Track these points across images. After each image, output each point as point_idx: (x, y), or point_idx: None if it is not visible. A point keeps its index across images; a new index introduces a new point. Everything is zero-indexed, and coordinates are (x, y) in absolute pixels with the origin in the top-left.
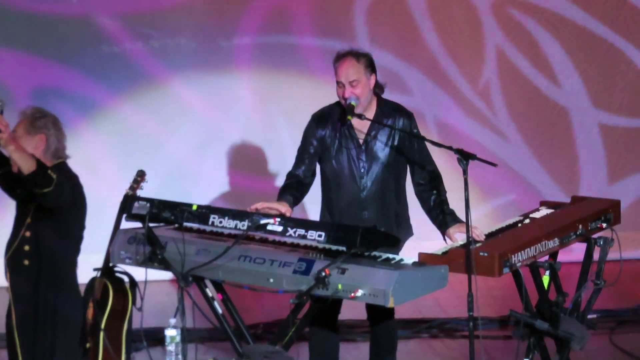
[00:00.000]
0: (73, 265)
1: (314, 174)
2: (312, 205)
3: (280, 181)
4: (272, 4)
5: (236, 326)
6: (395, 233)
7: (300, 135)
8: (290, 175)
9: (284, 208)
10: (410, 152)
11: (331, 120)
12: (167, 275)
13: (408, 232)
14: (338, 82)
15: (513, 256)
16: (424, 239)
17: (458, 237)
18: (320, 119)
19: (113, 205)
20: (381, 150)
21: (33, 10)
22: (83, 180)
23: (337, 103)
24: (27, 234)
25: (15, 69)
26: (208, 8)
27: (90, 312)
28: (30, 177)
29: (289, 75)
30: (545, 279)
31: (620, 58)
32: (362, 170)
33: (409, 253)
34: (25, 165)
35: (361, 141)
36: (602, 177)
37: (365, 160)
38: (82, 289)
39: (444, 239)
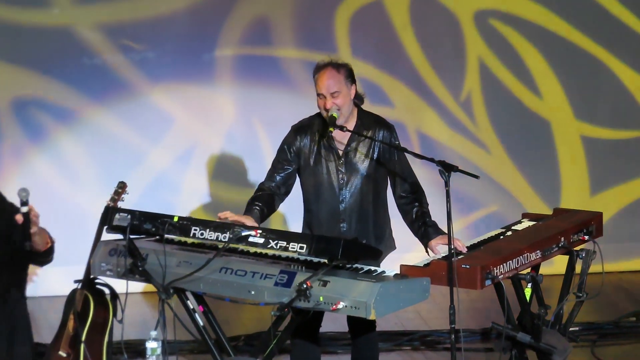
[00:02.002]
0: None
1: (287, 190)
2: (293, 217)
3: None
4: (253, 16)
5: (217, 338)
6: (373, 245)
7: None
8: (259, 188)
9: (249, 222)
10: (391, 165)
11: (310, 131)
12: (148, 287)
13: (390, 245)
14: (319, 94)
15: (495, 268)
16: (405, 251)
17: (440, 249)
18: (299, 130)
19: (94, 217)
20: (361, 162)
21: (14, 20)
22: (63, 190)
23: (318, 114)
24: None
25: None
26: (189, 19)
27: (71, 324)
28: (41, 253)
29: (270, 86)
30: (527, 292)
31: (603, 70)
32: (341, 182)
33: (390, 265)
34: (42, 244)
35: (341, 153)
36: (584, 189)
37: (345, 171)
38: (63, 301)
39: (426, 251)
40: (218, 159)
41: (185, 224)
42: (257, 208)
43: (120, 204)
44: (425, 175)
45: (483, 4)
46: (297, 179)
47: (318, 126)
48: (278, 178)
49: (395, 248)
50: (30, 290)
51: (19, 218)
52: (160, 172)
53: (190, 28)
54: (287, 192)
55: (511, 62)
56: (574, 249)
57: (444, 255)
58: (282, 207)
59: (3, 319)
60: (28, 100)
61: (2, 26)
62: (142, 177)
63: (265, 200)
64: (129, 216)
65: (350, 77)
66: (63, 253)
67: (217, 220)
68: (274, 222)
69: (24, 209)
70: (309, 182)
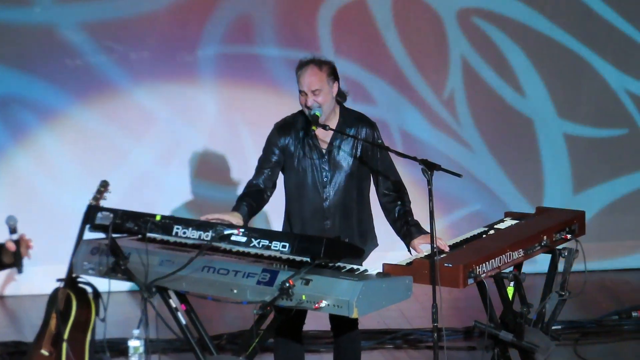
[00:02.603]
0: None
1: (274, 184)
2: (275, 215)
3: None
4: (235, 14)
5: (200, 337)
6: (358, 243)
7: (264, 144)
8: (249, 185)
9: (235, 220)
10: (374, 163)
11: (294, 129)
12: (131, 286)
13: (373, 242)
14: (301, 91)
15: (477, 267)
16: (388, 249)
17: (422, 248)
18: (282, 128)
19: (76, 216)
20: (344, 159)
21: None
22: (46, 190)
23: (301, 112)
24: None
25: None
26: (171, 19)
27: (53, 323)
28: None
29: (252, 85)
30: (510, 290)
31: (586, 68)
32: (324, 180)
33: (373, 264)
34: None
35: (324, 150)
36: (567, 187)
37: (329, 169)
38: (45, 299)
39: (409, 250)
40: (201, 158)
41: (167, 223)
42: (245, 204)
43: (102, 203)
44: (408, 174)
45: (466, 2)
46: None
47: (301, 124)
48: (265, 174)
49: (377, 245)
50: (13, 289)
51: (10, 246)
52: (143, 171)
53: (172, 27)
54: (274, 187)
55: (494, 60)
56: (557, 247)
57: (426, 254)
58: (265, 207)
59: None
60: (10, 99)
61: None
62: (125, 176)
63: (254, 196)
64: (112, 215)
65: (333, 74)
66: (45, 252)
67: (200, 219)
68: (256, 221)
69: (14, 237)
70: (293, 179)
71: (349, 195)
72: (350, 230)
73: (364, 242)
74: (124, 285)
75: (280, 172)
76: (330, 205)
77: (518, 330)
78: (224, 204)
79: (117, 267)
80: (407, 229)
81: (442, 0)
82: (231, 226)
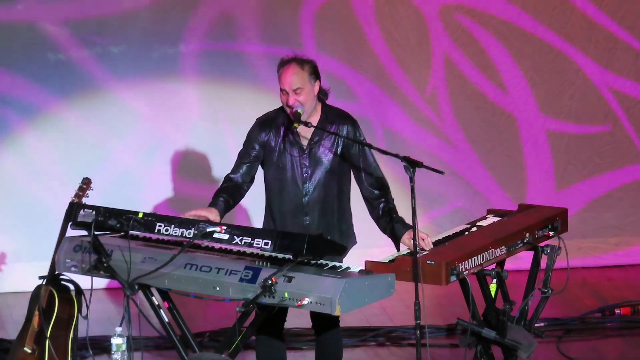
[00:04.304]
0: None
1: (252, 179)
2: (256, 210)
3: None
4: (218, 11)
5: (182, 334)
6: (337, 240)
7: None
8: (226, 179)
9: (212, 215)
10: (355, 160)
11: (275, 124)
12: (113, 283)
13: (352, 240)
14: (282, 90)
15: (460, 264)
16: (369, 246)
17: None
18: (264, 123)
19: (58, 213)
20: (325, 156)
21: None
22: (28, 187)
23: (282, 108)
24: None
25: None
26: (153, 15)
27: (36, 320)
28: None
29: (235, 81)
30: (493, 287)
31: (568, 65)
32: (304, 175)
33: (354, 260)
34: None
35: (305, 146)
36: (550, 184)
37: (309, 165)
38: (28, 296)
39: (397, 247)
40: (183, 155)
41: (150, 220)
42: (222, 199)
43: (84, 200)
44: (390, 171)
45: None
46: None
47: (283, 120)
48: (244, 169)
49: (356, 242)
50: None
51: None
52: (125, 167)
53: (154, 23)
54: (252, 181)
55: (476, 57)
56: (539, 244)
57: (409, 251)
58: (245, 202)
59: None
60: None
61: None
62: (107, 173)
63: (231, 191)
64: (94, 212)
65: (315, 73)
66: (28, 249)
67: (182, 217)
68: (237, 217)
69: None
70: (273, 174)
71: (329, 191)
72: (330, 227)
73: (343, 239)
74: (107, 283)
75: (260, 167)
76: (310, 201)
77: (501, 328)
78: (206, 200)
79: (100, 265)
80: (392, 225)
81: None
82: (214, 223)
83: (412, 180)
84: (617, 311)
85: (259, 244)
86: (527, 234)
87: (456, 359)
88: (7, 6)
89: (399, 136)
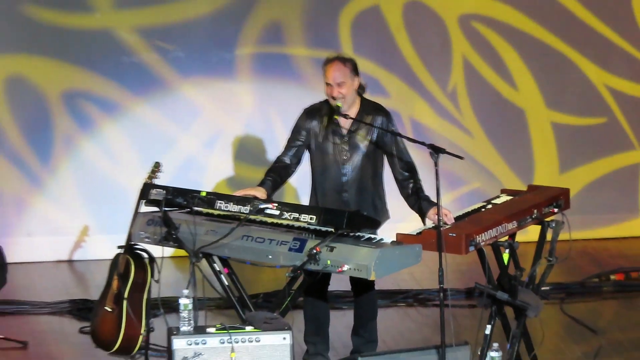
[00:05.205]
0: None
1: (299, 161)
2: (304, 189)
3: None
4: (268, 19)
5: (240, 296)
6: (372, 215)
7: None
8: (277, 160)
9: (259, 193)
10: (389, 146)
11: (319, 114)
12: (181, 252)
13: (385, 215)
14: (327, 83)
15: (477, 236)
16: (400, 221)
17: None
18: (310, 112)
19: (133, 192)
20: (361, 142)
21: (62, 24)
22: (107, 170)
23: (326, 100)
24: None
25: (48, 75)
26: (213, 23)
27: (115, 284)
28: None
29: (282, 80)
30: (505, 256)
31: (570, 66)
32: (344, 159)
33: (387, 233)
34: None
35: (344, 134)
36: (554, 168)
37: (348, 150)
38: (108, 264)
39: (423, 221)
40: (239, 143)
41: (211, 198)
42: (270, 179)
43: (155, 181)
44: (417, 157)
45: (466, 8)
46: (307, 154)
47: (326, 110)
48: (292, 151)
49: (389, 217)
50: (80, 254)
51: None
52: (190, 154)
53: (213, 30)
54: (299, 162)
55: (491, 59)
56: (545, 219)
57: (433, 225)
58: (294, 182)
59: None
60: (76, 93)
61: (52, 28)
62: (175, 158)
63: (279, 171)
64: (164, 191)
65: (355, 70)
66: (108, 223)
67: (239, 195)
68: (287, 195)
69: None
70: (317, 158)
71: (365, 173)
72: (366, 203)
73: (378, 214)
74: (175, 252)
75: (306, 151)
76: (348, 181)
77: (512, 291)
78: (259, 181)
79: (169, 236)
80: (419, 203)
81: (445, 7)
82: (266, 201)
83: (436, 164)
84: (612, 277)
85: (305, 219)
86: (535, 211)
87: (474, 318)
88: (87, 15)
89: (425, 127)
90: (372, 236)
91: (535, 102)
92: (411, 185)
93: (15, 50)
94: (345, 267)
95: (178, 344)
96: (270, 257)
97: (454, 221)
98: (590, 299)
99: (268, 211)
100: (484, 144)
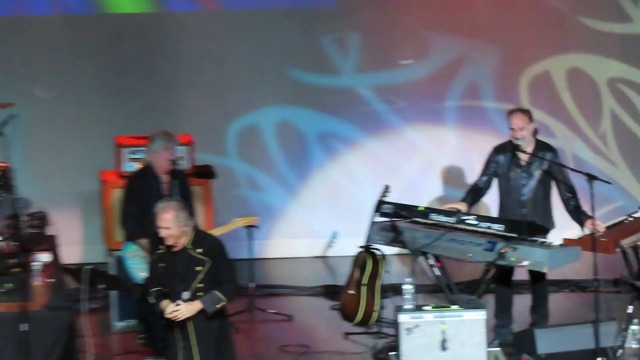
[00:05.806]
0: None
1: (490, 185)
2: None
3: None
4: (468, 81)
5: (448, 283)
6: (543, 224)
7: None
8: (474, 184)
9: (462, 207)
10: (555, 174)
11: (505, 150)
12: (404, 251)
13: (552, 225)
14: (511, 128)
15: (622, 241)
16: (564, 229)
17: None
18: (498, 149)
19: (369, 206)
20: (536, 171)
21: (319, 83)
22: (351, 190)
23: (510, 140)
24: None
25: (307, 120)
26: (427, 82)
27: (356, 274)
28: None
29: (478, 124)
30: None
31: None
32: (523, 183)
33: (553, 238)
34: None
35: (523, 165)
36: None
37: (526, 177)
38: (351, 259)
39: (581, 229)
40: (446, 171)
41: (426, 211)
42: (469, 197)
43: (386, 199)
44: (577, 182)
45: (614, 73)
46: (495, 181)
47: (510, 148)
48: (485, 178)
49: (555, 227)
50: (331, 252)
51: None
52: (410, 179)
53: (428, 88)
54: (490, 186)
55: (632, 111)
56: None
57: (589, 232)
58: (487, 200)
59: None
60: (328, 134)
61: (311, 86)
62: (399, 183)
63: (476, 192)
64: (392, 206)
65: (531, 118)
66: (349, 229)
67: (446, 209)
68: (482, 210)
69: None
70: (503, 183)
71: (538, 194)
72: (538, 216)
73: (547, 224)
74: (401, 251)
75: (495, 178)
76: (526, 199)
77: None
78: (459, 198)
79: (396, 239)
80: (579, 216)
81: (597, 72)
82: (467, 214)
83: (591, 187)
84: None
85: (495, 227)
86: None
87: (620, 301)
88: (336, 77)
89: (582, 160)
90: (544, 240)
91: None
92: (572, 203)
93: (284, 102)
94: (525, 263)
95: (403, 318)
96: (470, 255)
97: (604, 230)
98: None
99: (468, 221)
100: (626, 173)
